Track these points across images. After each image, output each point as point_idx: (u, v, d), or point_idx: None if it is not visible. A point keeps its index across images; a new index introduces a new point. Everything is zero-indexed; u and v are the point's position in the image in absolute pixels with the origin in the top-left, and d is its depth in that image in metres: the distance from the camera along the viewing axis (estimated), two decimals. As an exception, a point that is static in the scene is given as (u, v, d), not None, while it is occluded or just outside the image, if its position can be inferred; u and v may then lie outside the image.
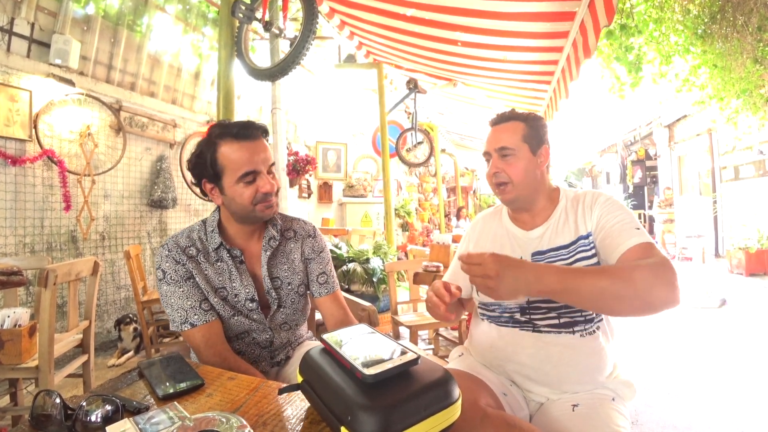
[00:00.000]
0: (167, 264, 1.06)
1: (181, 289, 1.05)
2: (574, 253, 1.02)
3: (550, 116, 3.63)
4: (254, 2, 2.28)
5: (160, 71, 3.81)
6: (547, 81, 3.37)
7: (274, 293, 1.14)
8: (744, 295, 4.70)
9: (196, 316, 1.04)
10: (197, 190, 1.13)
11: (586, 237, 1.02)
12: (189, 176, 1.12)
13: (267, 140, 1.11)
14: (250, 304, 1.10)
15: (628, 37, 3.87)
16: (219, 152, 1.03)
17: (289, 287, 1.17)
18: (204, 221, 1.15)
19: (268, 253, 1.15)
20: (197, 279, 1.07)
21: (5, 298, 1.99)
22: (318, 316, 1.64)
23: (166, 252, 1.07)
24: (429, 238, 6.69)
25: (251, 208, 1.06)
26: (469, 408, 0.81)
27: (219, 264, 1.10)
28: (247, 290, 1.10)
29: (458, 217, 9.09)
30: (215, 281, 1.09)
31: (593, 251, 1.01)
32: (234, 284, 1.10)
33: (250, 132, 1.05)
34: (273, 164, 1.09)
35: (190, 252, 1.09)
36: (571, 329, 1.00)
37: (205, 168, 1.05)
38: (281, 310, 1.15)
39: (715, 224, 7.37)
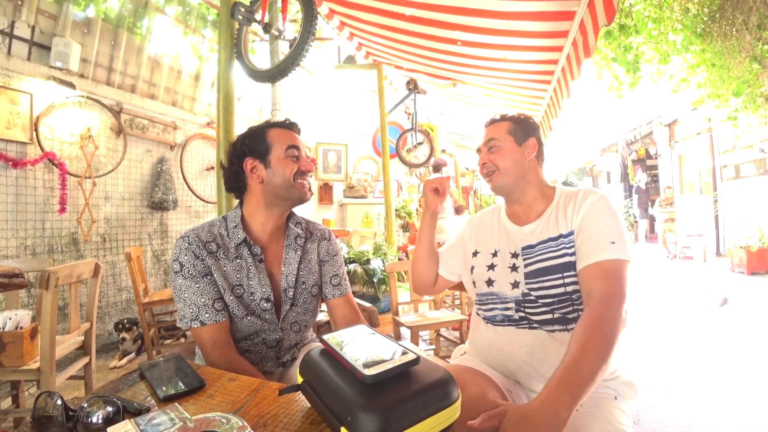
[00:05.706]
0: (186, 257, 1.04)
1: (197, 285, 1.03)
2: (560, 246, 1.05)
3: (553, 115, 3.62)
4: (254, 4, 2.29)
5: (160, 73, 3.82)
6: (547, 81, 3.37)
7: (291, 292, 1.14)
8: (745, 294, 4.69)
9: (207, 315, 1.02)
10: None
11: (567, 236, 1.05)
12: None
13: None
14: (265, 304, 1.10)
15: (626, 37, 3.87)
16: (269, 134, 1.15)
17: (303, 286, 1.18)
18: (224, 217, 1.15)
19: (298, 253, 1.18)
20: (215, 275, 1.06)
21: (6, 300, 2.00)
22: (319, 317, 1.65)
23: (186, 244, 1.05)
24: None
25: (291, 182, 1.12)
26: (478, 401, 0.81)
27: (238, 261, 1.10)
28: (264, 289, 1.10)
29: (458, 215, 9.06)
30: (233, 278, 1.08)
31: (573, 250, 1.03)
32: (251, 282, 1.09)
33: (294, 127, 1.21)
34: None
35: (211, 247, 1.08)
36: (565, 326, 1.01)
37: (254, 144, 1.14)
38: (293, 308, 1.16)
39: (716, 223, 7.36)
